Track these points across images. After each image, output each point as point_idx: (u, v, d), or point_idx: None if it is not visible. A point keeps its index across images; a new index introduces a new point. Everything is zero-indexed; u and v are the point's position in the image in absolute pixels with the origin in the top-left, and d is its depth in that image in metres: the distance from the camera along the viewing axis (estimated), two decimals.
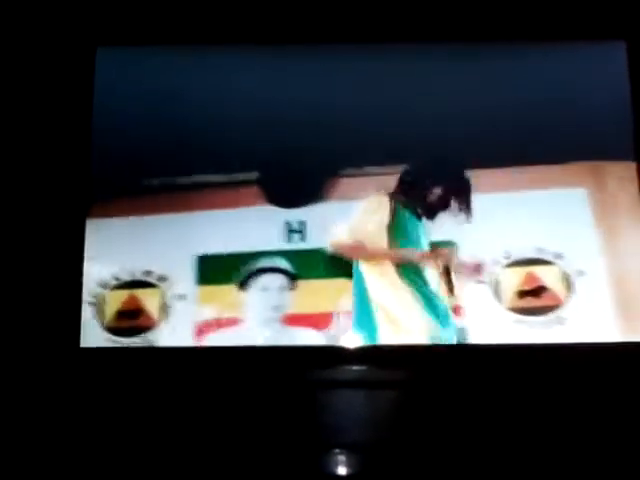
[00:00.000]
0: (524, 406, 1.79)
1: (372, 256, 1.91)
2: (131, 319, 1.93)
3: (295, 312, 1.90)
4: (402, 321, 1.88)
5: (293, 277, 1.92)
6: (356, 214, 1.94)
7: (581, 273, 1.90)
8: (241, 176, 2.00)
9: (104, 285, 1.94)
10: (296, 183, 1.99)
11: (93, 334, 1.91)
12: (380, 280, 1.90)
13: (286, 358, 1.85)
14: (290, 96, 2.01)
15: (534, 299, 1.89)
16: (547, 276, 1.90)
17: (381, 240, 1.92)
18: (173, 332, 1.91)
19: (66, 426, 1.82)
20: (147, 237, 1.96)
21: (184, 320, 1.91)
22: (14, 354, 1.86)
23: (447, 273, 1.90)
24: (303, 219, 1.96)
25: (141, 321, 1.92)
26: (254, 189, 1.99)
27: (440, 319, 1.88)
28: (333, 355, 1.87)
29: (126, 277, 1.95)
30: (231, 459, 1.77)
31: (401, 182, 1.96)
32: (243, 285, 1.92)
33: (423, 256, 1.92)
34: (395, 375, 1.84)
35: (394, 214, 1.94)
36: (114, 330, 1.92)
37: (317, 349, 1.87)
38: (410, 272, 1.91)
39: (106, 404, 1.83)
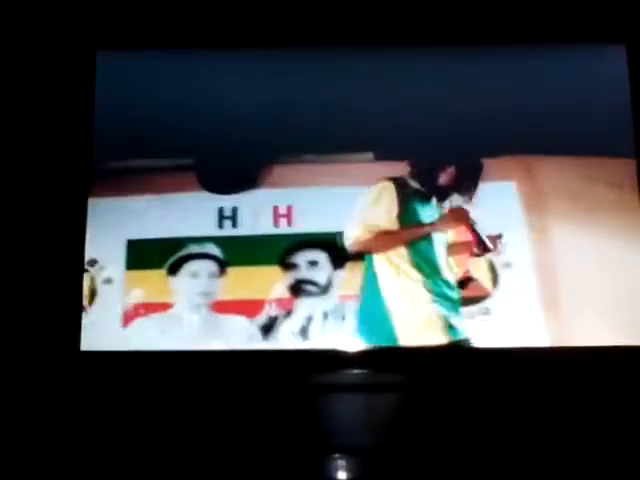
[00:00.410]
0: (527, 410, 1.78)
1: (394, 242, 1.90)
2: None
3: (224, 299, 1.90)
4: (412, 316, 1.87)
5: (223, 264, 1.92)
6: (363, 207, 1.92)
7: (508, 265, 1.93)
8: (177, 162, 1.99)
9: None
10: (230, 169, 1.99)
11: None
12: (392, 273, 1.87)
13: (284, 361, 1.84)
14: (244, 87, 2.01)
15: (461, 290, 1.91)
16: (475, 267, 1.92)
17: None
18: (101, 316, 1.89)
19: (65, 430, 1.80)
20: None
21: (112, 304, 1.89)
22: (12, 356, 1.84)
23: (472, 228, 1.90)
24: (236, 205, 1.96)
25: None
26: (189, 175, 1.98)
27: (451, 310, 1.87)
28: (332, 359, 1.84)
29: None
30: (230, 465, 1.76)
31: (411, 165, 1.94)
32: (172, 271, 1.91)
33: (441, 222, 1.92)
34: (396, 379, 1.83)
35: (403, 202, 1.92)
36: None
37: (317, 353, 1.85)
38: (422, 261, 1.89)
39: (107, 409, 1.81)
